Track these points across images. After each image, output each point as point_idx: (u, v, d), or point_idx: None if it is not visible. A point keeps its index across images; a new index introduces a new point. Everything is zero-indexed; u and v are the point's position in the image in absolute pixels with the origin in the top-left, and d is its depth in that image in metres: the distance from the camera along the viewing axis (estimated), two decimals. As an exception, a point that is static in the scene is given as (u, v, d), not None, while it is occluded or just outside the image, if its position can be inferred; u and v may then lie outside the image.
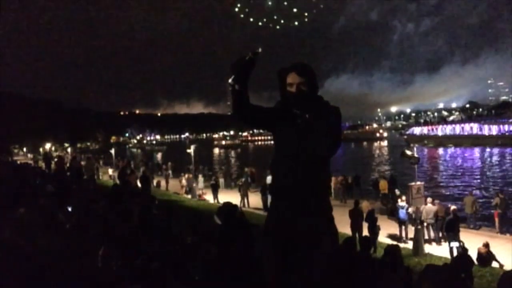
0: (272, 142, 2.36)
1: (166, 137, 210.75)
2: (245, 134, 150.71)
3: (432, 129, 76.36)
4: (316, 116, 2.14)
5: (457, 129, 71.91)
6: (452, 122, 78.37)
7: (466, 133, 68.96)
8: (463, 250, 11.01)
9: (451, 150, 63.37)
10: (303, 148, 2.12)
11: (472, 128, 69.23)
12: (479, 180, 32.27)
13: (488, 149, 58.30)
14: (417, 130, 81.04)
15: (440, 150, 63.36)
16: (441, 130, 74.38)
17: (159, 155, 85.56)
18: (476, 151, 57.78)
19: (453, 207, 13.61)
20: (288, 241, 2.16)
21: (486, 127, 67.03)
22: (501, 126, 64.57)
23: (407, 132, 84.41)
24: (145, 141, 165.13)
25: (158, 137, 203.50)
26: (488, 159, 49.01)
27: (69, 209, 7.10)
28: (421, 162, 41.72)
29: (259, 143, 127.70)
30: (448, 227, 12.71)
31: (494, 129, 65.34)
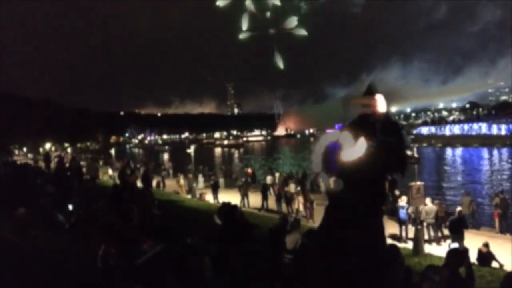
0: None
1: (166, 137, 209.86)
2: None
3: (440, 129, 75.33)
4: None
5: (465, 128, 70.46)
6: (460, 121, 77.36)
7: (474, 133, 67.59)
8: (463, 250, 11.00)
9: (459, 150, 62.26)
10: None
11: (481, 127, 67.90)
12: (484, 181, 32.10)
13: (496, 150, 57.24)
14: (424, 130, 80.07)
15: (448, 150, 62.52)
16: (449, 129, 73.36)
17: (165, 155, 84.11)
18: (485, 152, 56.72)
19: (458, 208, 13.65)
20: None
21: (494, 126, 65.71)
22: (510, 126, 63.18)
23: (414, 132, 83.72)
24: (146, 141, 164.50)
25: (165, 136, 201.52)
26: (496, 160, 48.49)
27: (69, 209, 7.11)
28: (426, 162, 41.39)
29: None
30: (452, 228, 12.67)
31: (503, 129, 63.99)
